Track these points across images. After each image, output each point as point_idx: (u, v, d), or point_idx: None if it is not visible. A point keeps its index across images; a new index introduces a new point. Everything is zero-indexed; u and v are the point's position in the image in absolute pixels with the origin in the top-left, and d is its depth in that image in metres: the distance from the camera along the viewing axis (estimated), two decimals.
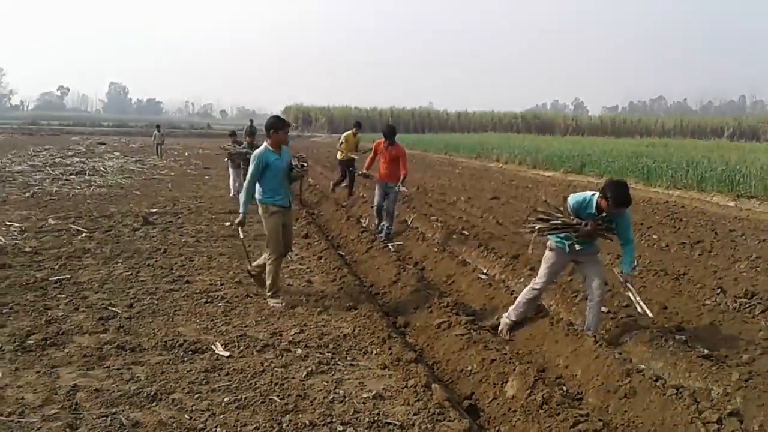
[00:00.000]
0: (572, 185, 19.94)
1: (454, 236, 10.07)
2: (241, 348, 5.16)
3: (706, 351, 5.29)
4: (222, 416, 3.97)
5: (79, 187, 16.03)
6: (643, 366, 4.97)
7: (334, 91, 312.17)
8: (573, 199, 5.53)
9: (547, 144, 34.15)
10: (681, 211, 14.25)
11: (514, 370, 4.64)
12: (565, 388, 4.83)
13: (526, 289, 5.91)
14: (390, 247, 9.58)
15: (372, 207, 10.64)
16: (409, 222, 11.65)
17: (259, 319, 5.95)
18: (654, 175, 19.51)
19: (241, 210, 6.50)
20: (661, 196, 17.29)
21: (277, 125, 6.38)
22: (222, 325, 5.74)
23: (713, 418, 3.89)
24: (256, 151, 6.45)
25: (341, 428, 3.86)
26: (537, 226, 5.62)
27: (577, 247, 5.54)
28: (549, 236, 5.66)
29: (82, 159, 25.05)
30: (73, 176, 18.44)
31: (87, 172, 19.77)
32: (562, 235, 5.54)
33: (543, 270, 5.73)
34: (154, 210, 12.39)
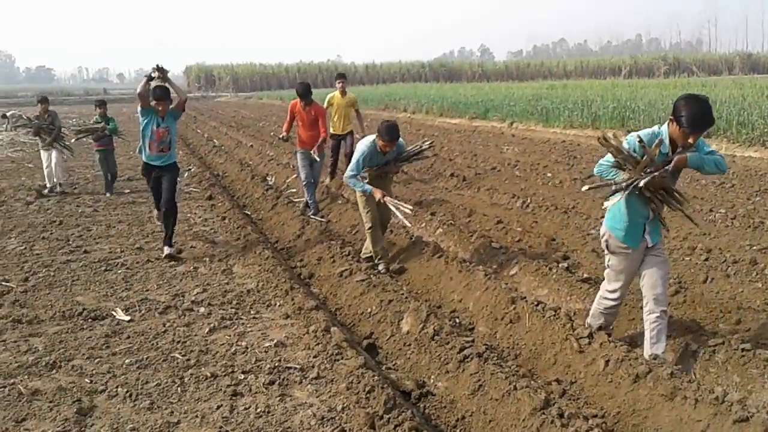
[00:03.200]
0: (477, 130, 20.48)
1: None
2: (143, 311, 5.18)
3: (586, 275, 5.74)
4: (123, 377, 4.03)
5: None
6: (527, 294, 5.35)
7: (238, 49, 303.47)
8: (634, 139, 4.03)
9: (453, 92, 34.52)
10: (576, 149, 14.93)
11: (409, 308, 4.91)
12: (458, 320, 5.15)
13: (598, 297, 4.39)
14: (321, 218, 8.56)
15: (302, 182, 8.83)
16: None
17: (161, 282, 5.95)
18: (552, 116, 20.23)
19: (367, 189, 6.16)
20: (559, 136, 18.01)
21: (394, 134, 6.02)
22: (122, 291, 5.71)
23: (585, 333, 4.28)
24: (368, 142, 6.15)
25: (243, 376, 4.01)
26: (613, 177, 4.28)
27: (650, 242, 4.10)
28: (610, 236, 4.18)
29: None
30: None
31: None
32: (626, 222, 4.08)
33: (613, 276, 4.23)
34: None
